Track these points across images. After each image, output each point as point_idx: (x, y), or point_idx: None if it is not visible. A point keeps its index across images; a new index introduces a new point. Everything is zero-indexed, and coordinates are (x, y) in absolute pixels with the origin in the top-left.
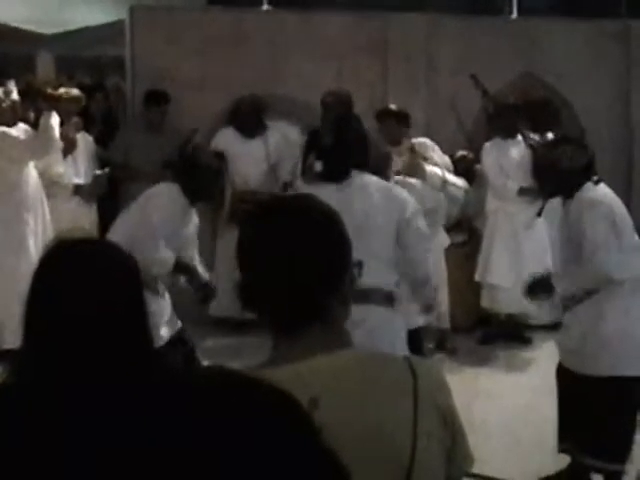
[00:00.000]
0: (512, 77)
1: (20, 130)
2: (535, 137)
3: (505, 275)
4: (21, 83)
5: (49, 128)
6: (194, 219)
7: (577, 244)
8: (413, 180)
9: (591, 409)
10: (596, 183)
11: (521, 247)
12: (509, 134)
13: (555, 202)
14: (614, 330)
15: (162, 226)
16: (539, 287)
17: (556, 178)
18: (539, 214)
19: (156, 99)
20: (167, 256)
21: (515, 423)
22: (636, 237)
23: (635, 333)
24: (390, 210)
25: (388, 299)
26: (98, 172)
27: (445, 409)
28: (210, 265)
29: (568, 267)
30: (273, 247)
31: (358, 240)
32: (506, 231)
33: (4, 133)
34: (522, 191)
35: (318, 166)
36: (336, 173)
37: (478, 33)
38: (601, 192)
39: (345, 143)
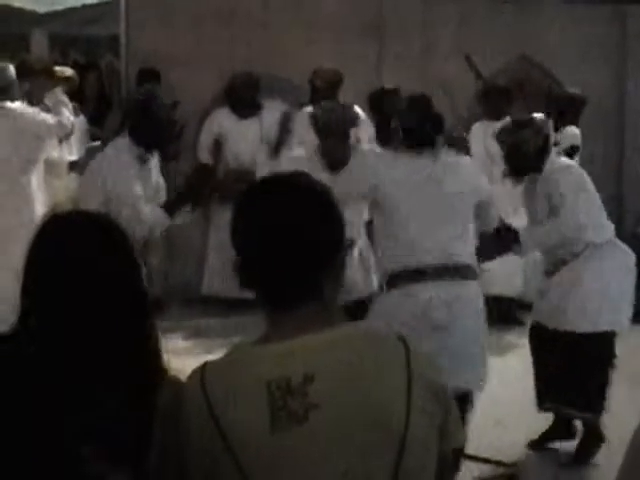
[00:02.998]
0: (507, 60)
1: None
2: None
3: None
4: (15, 61)
5: (64, 106)
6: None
7: (549, 208)
8: None
9: (571, 364)
10: (558, 155)
11: None
12: (497, 116)
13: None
14: (592, 290)
15: (132, 187)
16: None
17: (524, 160)
18: None
19: (148, 78)
20: (156, 213)
21: (502, 404)
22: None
23: (610, 292)
24: (472, 187)
25: (475, 273)
26: (90, 144)
27: (437, 385)
28: (203, 245)
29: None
30: (270, 225)
31: (450, 214)
32: None
33: (34, 112)
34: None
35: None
36: (428, 144)
37: (474, 15)
38: (568, 161)
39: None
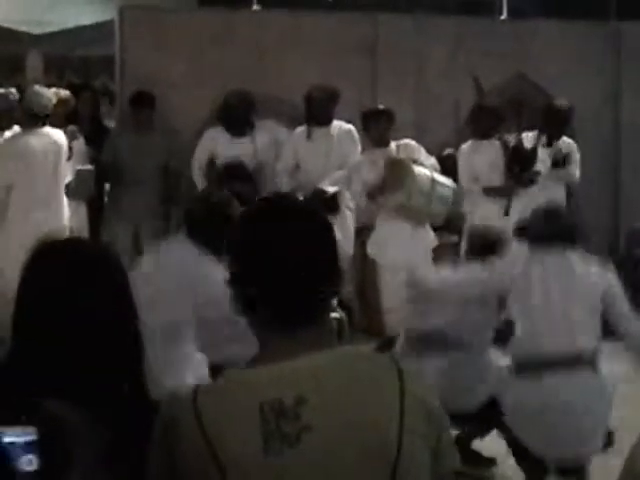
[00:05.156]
0: (502, 78)
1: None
2: (511, 137)
3: None
4: (10, 83)
5: None
6: None
7: None
8: None
9: None
10: None
11: None
12: (484, 135)
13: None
14: None
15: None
16: None
17: None
18: (506, 213)
19: (141, 101)
20: None
21: None
22: None
23: None
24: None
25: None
26: (79, 167)
27: (430, 407)
28: None
29: None
30: (282, 248)
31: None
32: None
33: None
34: (487, 191)
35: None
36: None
37: (467, 34)
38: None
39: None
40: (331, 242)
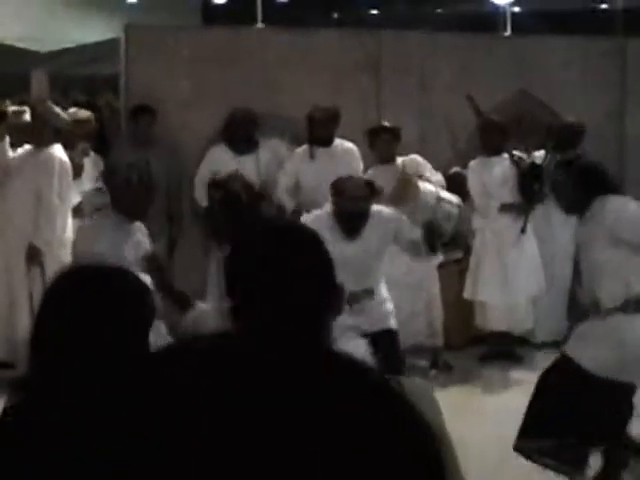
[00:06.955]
0: (507, 94)
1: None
2: (522, 154)
3: (493, 292)
4: (16, 101)
5: None
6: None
7: None
8: None
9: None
10: None
11: (508, 264)
12: (494, 152)
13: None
14: None
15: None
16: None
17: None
18: (523, 230)
19: (141, 112)
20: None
21: (501, 443)
22: None
23: None
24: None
25: None
26: (87, 189)
27: (434, 428)
28: (202, 284)
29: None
30: (286, 269)
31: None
32: (492, 248)
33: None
34: (504, 208)
35: None
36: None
37: (472, 50)
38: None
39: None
40: (330, 262)
